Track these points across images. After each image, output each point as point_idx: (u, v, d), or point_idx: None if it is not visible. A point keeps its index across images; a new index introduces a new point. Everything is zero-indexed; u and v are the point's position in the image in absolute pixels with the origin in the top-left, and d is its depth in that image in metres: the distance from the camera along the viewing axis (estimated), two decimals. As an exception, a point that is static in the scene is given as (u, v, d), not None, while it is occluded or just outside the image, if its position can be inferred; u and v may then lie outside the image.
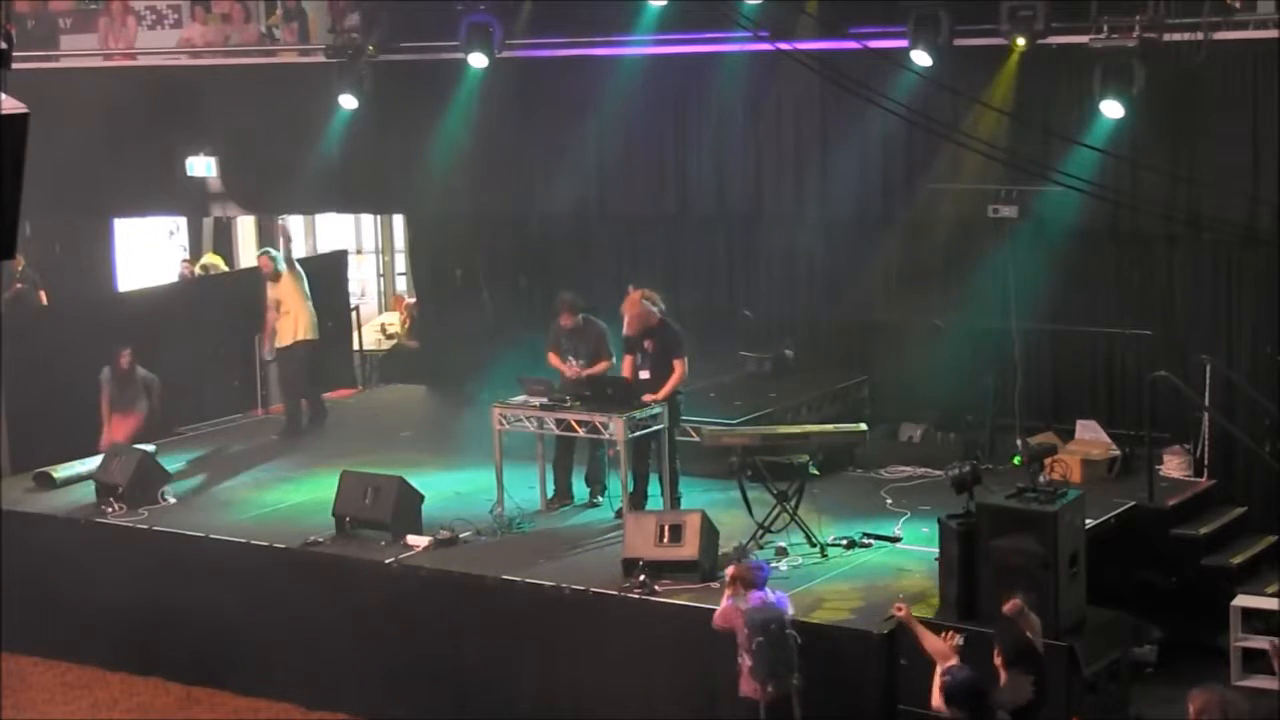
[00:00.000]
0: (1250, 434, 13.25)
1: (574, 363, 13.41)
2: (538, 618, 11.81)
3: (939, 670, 8.88)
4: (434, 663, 12.24)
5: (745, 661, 10.18)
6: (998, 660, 8.70)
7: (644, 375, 13.08)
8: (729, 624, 10.28)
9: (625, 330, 13.20)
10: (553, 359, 13.57)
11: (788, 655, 10.22)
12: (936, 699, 8.84)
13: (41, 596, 13.65)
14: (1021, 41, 13.46)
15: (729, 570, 10.50)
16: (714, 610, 10.44)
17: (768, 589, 10.37)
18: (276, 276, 16.08)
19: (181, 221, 20.10)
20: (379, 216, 21.00)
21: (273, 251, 16.59)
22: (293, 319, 16.11)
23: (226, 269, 19.68)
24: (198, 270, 19.53)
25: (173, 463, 14.91)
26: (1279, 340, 13.30)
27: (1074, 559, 10.30)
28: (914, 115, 13.71)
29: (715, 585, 11.36)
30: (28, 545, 13.70)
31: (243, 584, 12.83)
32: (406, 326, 19.86)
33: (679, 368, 13.00)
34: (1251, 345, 13.62)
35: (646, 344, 13.15)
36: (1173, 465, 13.55)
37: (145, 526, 13.58)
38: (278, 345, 16.28)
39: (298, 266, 16.44)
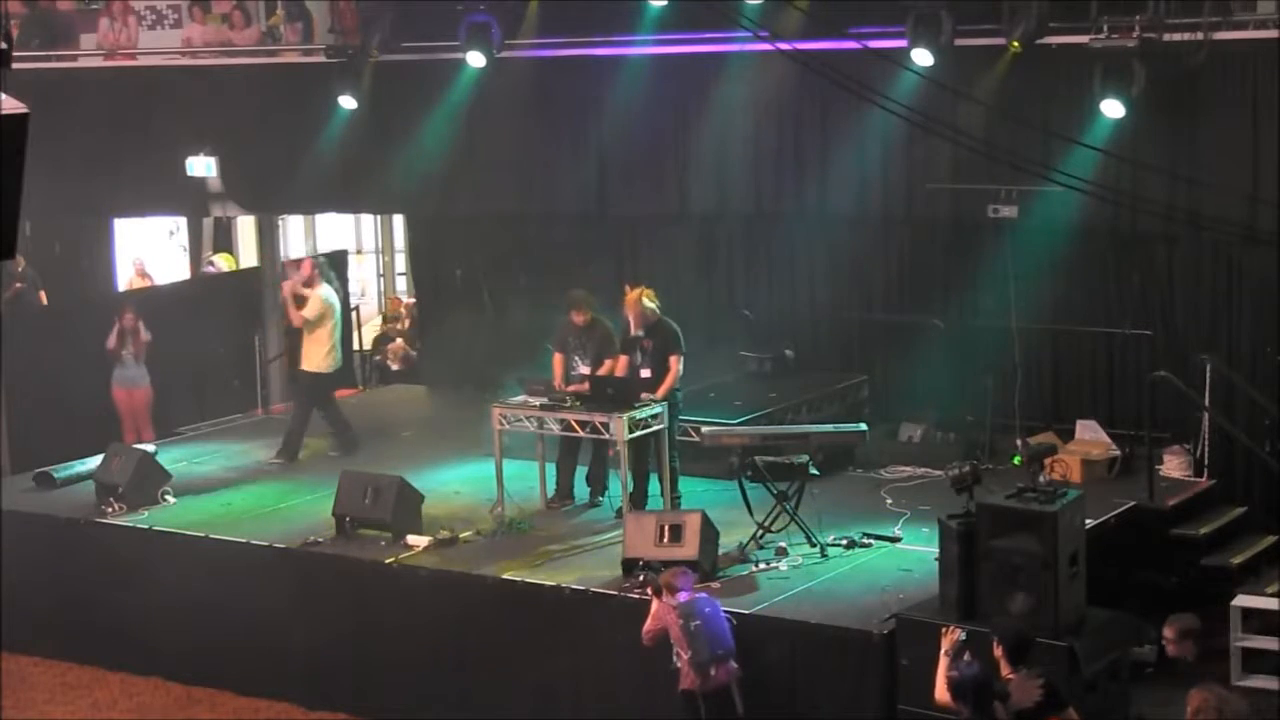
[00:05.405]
0: (1250, 434, 13.24)
1: (579, 364, 13.41)
2: (538, 618, 11.81)
3: (945, 663, 8.89)
4: (434, 663, 12.24)
5: (683, 655, 10.32)
6: (997, 652, 8.72)
7: (644, 374, 13.09)
8: (661, 624, 10.43)
9: (631, 329, 13.20)
10: (557, 361, 13.54)
11: (723, 633, 10.37)
12: (940, 692, 8.85)
13: (41, 596, 13.66)
14: (1018, 44, 13.44)
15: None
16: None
17: (693, 592, 10.54)
18: (312, 285, 15.11)
19: (181, 221, 20.10)
20: (379, 216, 21.00)
21: (321, 259, 15.83)
22: (329, 344, 15.13)
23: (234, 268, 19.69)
24: (216, 259, 19.51)
25: (173, 463, 14.91)
26: (1279, 340, 13.30)
27: (1074, 559, 10.29)
28: (914, 115, 13.71)
29: (715, 585, 11.41)
30: (28, 545, 13.70)
31: (243, 584, 12.84)
32: (406, 326, 19.87)
33: (675, 366, 13.00)
34: (1251, 345, 13.61)
35: (645, 342, 13.16)
36: (1173, 465, 13.55)
37: (145, 526, 13.59)
38: (302, 367, 15.28)
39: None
